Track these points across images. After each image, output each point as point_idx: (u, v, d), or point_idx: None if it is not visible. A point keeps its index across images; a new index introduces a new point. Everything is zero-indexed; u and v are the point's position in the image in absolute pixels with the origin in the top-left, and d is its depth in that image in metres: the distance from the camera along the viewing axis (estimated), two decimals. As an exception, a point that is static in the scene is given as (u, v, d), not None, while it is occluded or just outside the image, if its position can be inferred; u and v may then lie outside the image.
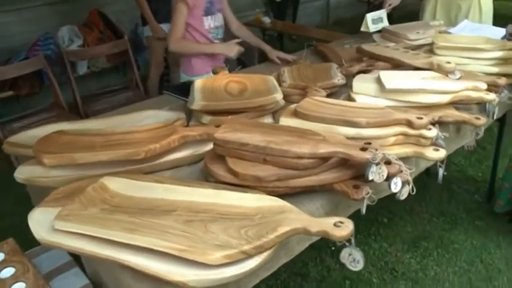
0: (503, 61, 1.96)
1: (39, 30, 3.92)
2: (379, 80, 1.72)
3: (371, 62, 2.06)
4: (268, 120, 1.69)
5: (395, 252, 2.33)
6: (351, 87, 1.77)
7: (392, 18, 2.64)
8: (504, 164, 2.60)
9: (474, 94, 1.69)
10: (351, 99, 1.72)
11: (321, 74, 1.98)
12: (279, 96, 1.69)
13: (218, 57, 2.40)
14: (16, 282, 1.16)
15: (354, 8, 6.64)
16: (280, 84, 1.85)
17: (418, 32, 2.36)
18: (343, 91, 1.88)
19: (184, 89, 2.01)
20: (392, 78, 1.70)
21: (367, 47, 2.16)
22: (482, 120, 1.59)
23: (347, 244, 1.05)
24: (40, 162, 1.36)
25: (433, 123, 1.51)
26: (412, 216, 2.57)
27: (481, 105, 1.79)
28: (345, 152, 1.17)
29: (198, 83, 1.78)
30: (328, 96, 1.79)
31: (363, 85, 1.74)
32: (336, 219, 1.04)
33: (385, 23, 2.60)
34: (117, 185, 1.23)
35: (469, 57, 1.98)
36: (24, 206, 1.57)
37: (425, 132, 1.43)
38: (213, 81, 1.80)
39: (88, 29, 4.01)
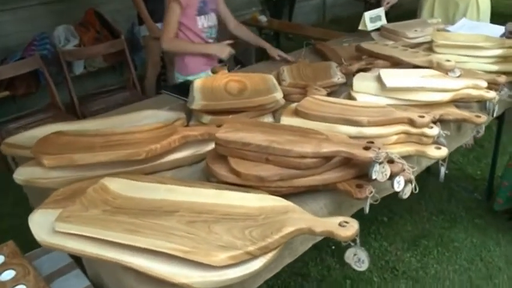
0: (503, 59, 1.96)
1: (34, 29, 3.89)
2: (379, 79, 1.71)
3: (370, 60, 2.06)
4: (268, 119, 1.68)
5: (395, 251, 2.33)
6: (350, 85, 1.76)
7: (389, 16, 2.63)
8: (503, 162, 2.60)
9: (474, 92, 1.69)
10: (351, 97, 1.71)
11: (320, 73, 1.97)
12: (279, 95, 1.68)
13: (212, 56, 2.40)
14: (16, 285, 1.15)
15: (350, 7, 6.63)
16: (279, 83, 1.84)
17: (416, 30, 2.36)
18: (343, 90, 1.88)
19: (183, 89, 2.01)
20: (392, 77, 1.69)
21: (366, 45, 2.15)
22: (483, 119, 1.59)
23: (352, 244, 1.04)
24: (39, 163, 1.35)
25: (435, 122, 1.51)
26: (412, 215, 2.57)
27: (481, 103, 1.78)
28: (348, 151, 1.17)
29: (198, 83, 1.77)
30: (328, 95, 1.78)
31: (363, 84, 1.74)
32: (340, 219, 1.03)
33: (383, 21, 2.59)
34: (118, 185, 1.22)
35: (468, 55, 1.98)
36: (23, 207, 1.56)
37: (427, 130, 1.43)
38: (212, 80, 1.79)
39: (84, 29, 3.98)
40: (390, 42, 2.29)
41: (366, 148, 1.17)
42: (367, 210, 1.20)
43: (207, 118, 1.62)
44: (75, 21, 4.08)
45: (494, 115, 1.79)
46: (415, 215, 2.58)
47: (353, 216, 1.18)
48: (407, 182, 1.25)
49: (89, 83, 4.15)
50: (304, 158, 1.18)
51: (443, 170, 1.48)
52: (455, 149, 1.80)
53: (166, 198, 1.16)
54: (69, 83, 3.25)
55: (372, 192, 1.17)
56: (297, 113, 1.53)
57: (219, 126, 1.42)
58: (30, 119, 3.01)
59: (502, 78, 1.79)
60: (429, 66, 1.85)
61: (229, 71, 1.98)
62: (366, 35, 2.57)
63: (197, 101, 1.62)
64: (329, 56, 2.32)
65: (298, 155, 1.18)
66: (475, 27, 2.39)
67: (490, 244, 2.35)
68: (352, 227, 1.01)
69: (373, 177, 1.16)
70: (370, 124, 1.43)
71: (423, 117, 1.43)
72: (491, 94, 1.68)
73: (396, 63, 1.97)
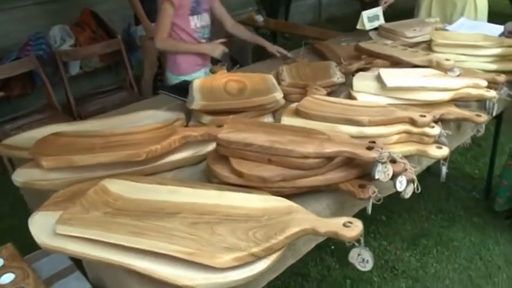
0: (501, 58, 1.96)
1: (29, 29, 3.86)
2: (379, 78, 1.71)
3: (369, 59, 2.05)
4: (268, 119, 1.67)
5: (394, 251, 2.32)
6: (350, 85, 1.76)
7: (385, 16, 2.63)
8: (501, 160, 2.61)
9: (475, 91, 1.69)
10: (351, 97, 1.71)
11: (319, 73, 1.96)
12: (279, 95, 1.67)
13: (204, 56, 2.41)
14: (16, 288, 1.13)
15: (346, 6, 6.64)
16: (279, 83, 1.83)
17: (414, 30, 2.36)
18: (343, 89, 1.87)
19: (182, 89, 2.00)
20: (392, 76, 1.69)
21: (365, 44, 2.15)
22: (484, 118, 1.59)
23: (356, 244, 1.03)
24: (38, 164, 1.33)
25: (435, 121, 1.51)
26: (411, 214, 2.57)
27: (481, 103, 1.78)
28: (351, 152, 1.16)
29: (197, 83, 1.76)
30: (328, 94, 1.77)
31: (363, 83, 1.73)
32: (344, 219, 1.03)
33: (381, 21, 2.59)
34: (119, 187, 1.21)
35: (467, 54, 1.98)
36: (21, 208, 1.55)
37: (428, 130, 1.43)
38: (211, 80, 1.78)
39: (80, 29, 3.95)
40: (389, 42, 2.29)
41: (369, 148, 1.17)
42: (369, 210, 1.20)
43: (206, 118, 1.61)
44: (71, 21, 4.05)
45: (494, 114, 1.79)
46: (414, 214, 2.58)
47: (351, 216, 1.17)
48: (409, 181, 1.24)
49: (85, 83, 4.13)
50: (307, 158, 1.17)
51: (444, 169, 1.48)
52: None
53: (168, 199, 1.15)
54: (65, 84, 3.22)
55: (374, 192, 1.17)
56: (297, 113, 1.53)
57: (219, 126, 1.41)
58: (27, 119, 2.98)
59: (502, 77, 1.79)
60: (429, 65, 1.85)
61: (228, 70, 1.97)
62: (364, 34, 2.57)
63: (197, 101, 1.61)
64: (328, 56, 2.31)
65: (300, 155, 1.17)
66: (474, 26, 2.39)
67: (489, 243, 2.35)
68: (356, 227, 1.01)
69: (376, 177, 1.16)
70: (371, 124, 1.43)
71: (424, 116, 1.43)
72: (492, 93, 1.68)
73: (395, 63, 1.97)
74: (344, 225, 1.01)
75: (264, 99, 1.62)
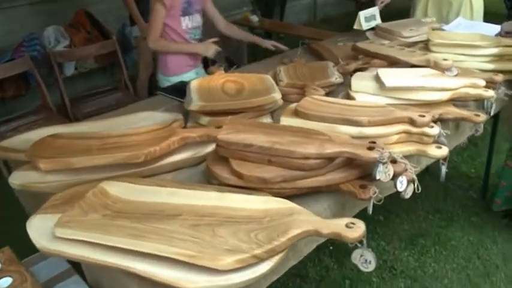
0: (499, 57, 1.97)
1: (23, 30, 3.83)
2: (377, 78, 1.70)
3: (367, 59, 2.05)
4: (267, 120, 1.66)
5: (393, 250, 2.32)
6: (348, 85, 1.75)
7: (381, 16, 2.63)
8: (498, 160, 2.62)
9: (473, 91, 1.69)
10: (349, 97, 1.70)
11: (317, 73, 1.96)
12: (277, 95, 1.66)
13: (196, 57, 2.42)
14: (14, 292, 1.12)
15: (341, 6, 6.66)
16: (277, 84, 1.83)
17: (411, 29, 2.36)
18: (341, 90, 1.86)
19: (179, 90, 1.99)
20: (391, 76, 1.69)
21: (362, 44, 2.15)
22: (482, 117, 1.59)
23: (359, 245, 1.03)
24: (35, 167, 1.32)
25: (434, 121, 1.50)
26: (408, 214, 2.57)
27: (479, 102, 1.79)
28: (352, 152, 1.15)
29: (194, 84, 1.75)
30: (326, 95, 1.76)
31: (361, 83, 1.73)
32: (347, 220, 1.02)
33: (378, 21, 2.59)
34: (118, 189, 1.19)
35: (464, 54, 1.99)
36: (16, 211, 1.53)
37: (427, 130, 1.42)
38: (209, 81, 1.77)
39: (75, 30, 3.93)
40: (386, 42, 2.29)
41: (370, 148, 1.16)
42: (370, 210, 1.20)
43: (204, 119, 1.59)
44: (65, 22, 4.02)
45: (492, 113, 1.80)
46: (412, 214, 2.58)
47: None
48: (410, 181, 1.24)
49: (80, 84, 4.10)
50: (308, 159, 1.17)
51: (444, 169, 1.47)
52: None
53: (167, 201, 1.14)
54: (60, 85, 3.20)
55: (375, 192, 1.16)
56: (296, 114, 1.52)
57: (218, 127, 1.40)
58: (22, 121, 2.96)
59: (499, 77, 1.80)
60: (426, 65, 1.85)
61: (225, 71, 1.96)
62: (360, 34, 2.57)
63: (195, 102, 1.59)
64: (325, 56, 2.31)
65: (301, 156, 1.17)
66: (471, 26, 2.40)
67: (487, 242, 2.36)
68: (359, 228, 1.01)
69: (377, 177, 1.15)
70: (371, 124, 1.42)
71: (423, 116, 1.43)
72: (490, 93, 1.68)
73: (393, 63, 1.97)
74: (347, 226, 1.00)
75: (263, 100, 1.61)
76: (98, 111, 2.62)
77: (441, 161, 1.45)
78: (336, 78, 1.90)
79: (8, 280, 1.16)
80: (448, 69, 1.79)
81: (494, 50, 1.96)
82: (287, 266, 1.15)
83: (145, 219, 1.06)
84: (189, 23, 2.35)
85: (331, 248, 2.30)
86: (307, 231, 1.00)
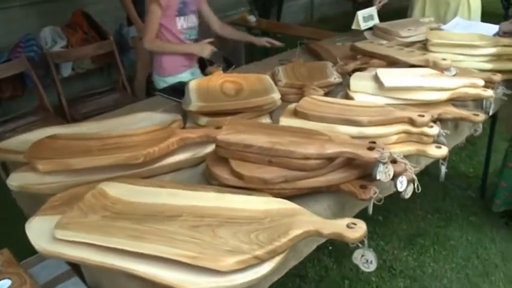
0: (497, 57, 1.97)
1: (19, 31, 3.81)
2: (376, 78, 1.70)
3: (365, 59, 2.05)
4: (266, 120, 1.66)
5: (392, 250, 2.32)
6: (347, 85, 1.75)
7: (379, 16, 2.63)
8: (495, 159, 2.62)
9: (472, 91, 1.69)
10: (348, 97, 1.70)
11: (316, 73, 1.96)
12: (277, 96, 1.66)
13: (191, 57, 2.42)
14: (14, 294, 1.11)
15: (338, 6, 6.66)
16: (275, 84, 1.82)
17: (409, 29, 2.36)
18: (339, 90, 1.86)
19: (177, 90, 1.98)
20: (390, 76, 1.69)
21: (361, 44, 2.15)
22: (481, 117, 1.59)
23: (360, 245, 1.03)
24: (33, 168, 1.31)
25: (434, 121, 1.50)
26: (407, 214, 2.57)
27: (477, 102, 1.79)
28: (353, 152, 1.15)
29: (193, 84, 1.75)
30: (325, 95, 1.76)
31: (360, 83, 1.73)
32: (348, 220, 1.02)
33: (376, 21, 2.59)
34: (117, 190, 1.19)
35: (463, 54, 1.99)
36: (14, 213, 1.52)
37: (427, 130, 1.42)
38: (208, 81, 1.77)
39: (72, 30, 3.91)
40: (384, 42, 2.29)
41: (370, 148, 1.16)
42: (370, 211, 1.20)
43: (203, 120, 1.59)
44: (62, 23, 4.01)
45: (491, 113, 1.80)
46: (410, 213, 2.58)
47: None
48: (410, 181, 1.24)
49: (77, 85, 4.09)
50: (308, 159, 1.16)
51: (443, 169, 1.48)
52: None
53: (167, 202, 1.13)
54: (58, 85, 3.18)
55: (376, 192, 1.16)
56: (296, 114, 1.52)
57: (217, 128, 1.39)
58: (19, 122, 2.94)
59: (498, 77, 1.80)
60: (425, 65, 1.85)
61: (223, 71, 1.96)
62: (358, 34, 2.57)
63: (194, 103, 1.59)
64: (323, 56, 2.31)
65: (302, 157, 1.16)
66: (469, 26, 2.40)
67: (486, 241, 2.36)
68: (360, 229, 1.00)
69: (377, 177, 1.15)
70: (371, 124, 1.42)
71: (423, 116, 1.43)
72: (489, 92, 1.69)
73: (392, 63, 1.97)
74: (348, 226, 1.00)
75: (262, 100, 1.61)
76: (96, 112, 2.61)
77: (441, 161, 1.45)
78: (334, 78, 1.90)
79: (7, 282, 1.15)
80: (447, 69, 1.79)
81: (493, 50, 1.96)
82: (288, 266, 1.15)
83: (145, 221, 1.05)
84: (184, 23, 2.36)
85: (330, 248, 2.30)
86: (308, 231, 0.99)
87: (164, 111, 1.76)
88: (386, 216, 2.55)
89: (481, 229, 2.45)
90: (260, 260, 0.94)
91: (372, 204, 1.18)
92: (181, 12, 2.32)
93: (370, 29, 2.56)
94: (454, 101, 1.69)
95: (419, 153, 1.43)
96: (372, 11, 2.60)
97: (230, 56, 4.17)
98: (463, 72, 1.81)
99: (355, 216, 1.15)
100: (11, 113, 3.16)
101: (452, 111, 1.61)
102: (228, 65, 3.02)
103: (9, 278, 1.16)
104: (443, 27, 2.44)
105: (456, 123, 1.71)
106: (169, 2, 2.24)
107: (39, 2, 4.02)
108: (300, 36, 3.94)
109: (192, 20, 2.40)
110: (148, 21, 2.27)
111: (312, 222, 1.02)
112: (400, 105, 1.59)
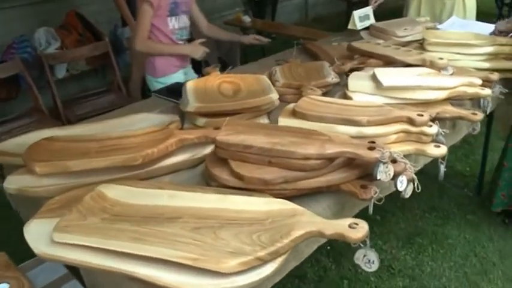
0: (494, 56, 1.98)
1: (13, 32, 3.79)
2: (374, 78, 1.70)
3: (363, 59, 2.04)
4: (264, 120, 1.65)
5: (390, 250, 2.33)
6: (344, 85, 1.75)
7: (374, 15, 2.63)
8: (492, 158, 2.63)
9: (470, 90, 1.69)
10: (346, 97, 1.70)
11: (313, 73, 1.95)
12: (275, 96, 1.65)
13: (184, 58, 2.42)
14: (12, 298, 1.09)
15: (332, 5, 6.67)
16: (272, 84, 1.82)
17: (405, 29, 2.36)
18: (337, 89, 1.86)
19: (174, 91, 1.97)
20: (388, 76, 1.68)
21: (358, 44, 2.14)
22: (479, 116, 1.59)
23: (361, 246, 1.02)
24: (31, 171, 1.29)
25: (432, 120, 1.50)
26: (405, 213, 2.58)
27: (475, 101, 1.79)
28: (354, 152, 1.15)
29: (190, 85, 1.73)
30: (323, 95, 1.76)
31: (358, 83, 1.72)
32: (349, 220, 1.01)
33: (372, 20, 2.59)
34: (116, 192, 1.18)
35: (460, 53, 1.99)
36: (10, 215, 1.50)
37: (426, 129, 1.42)
38: (205, 82, 1.76)
39: (66, 31, 3.89)
40: (380, 41, 2.29)
41: (370, 148, 1.16)
42: (371, 211, 1.19)
43: (201, 121, 1.58)
44: (56, 24, 3.99)
45: (488, 112, 1.80)
46: (408, 212, 2.58)
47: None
48: (409, 181, 1.24)
49: (72, 86, 4.07)
50: (308, 159, 1.16)
51: (442, 168, 1.48)
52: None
53: (167, 204, 1.12)
54: (52, 87, 3.16)
55: (376, 192, 1.16)
56: (294, 114, 1.51)
57: (216, 128, 1.39)
58: (14, 124, 2.93)
59: (495, 76, 1.80)
60: (422, 64, 1.85)
61: (220, 72, 1.95)
62: (354, 34, 2.57)
63: (192, 104, 1.58)
64: (320, 56, 2.30)
65: (302, 157, 1.16)
66: (465, 25, 2.41)
67: (483, 240, 2.37)
68: (362, 229, 1.00)
69: (378, 177, 1.15)
70: (370, 124, 1.42)
71: (422, 115, 1.43)
72: (487, 91, 1.69)
73: (389, 62, 1.96)
74: (350, 226, 1.00)
75: (260, 100, 1.60)
76: (91, 113, 2.61)
77: (440, 160, 1.45)
78: (332, 78, 1.89)
79: (5, 286, 1.13)
80: (444, 68, 1.80)
81: (489, 49, 1.97)
82: (289, 267, 1.14)
83: (145, 223, 1.04)
84: (176, 23, 2.35)
85: (328, 248, 2.30)
86: (310, 232, 0.99)
87: (161, 112, 1.75)
88: (383, 216, 2.55)
89: (479, 227, 2.46)
90: (262, 261, 0.93)
91: (372, 204, 1.18)
92: (172, 13, 2.32)
93: (366, 28, 2.56)
94: (451, 101, 1.69)
95: (418, 153, 1.43)
96: (368, 10, 2.60)
97: (225, 57, 4.16)
98: (460, 71, 1.82)
99: (355, 216, 1.14)
100: (6, 115, 3.14)
101: (450, 110, 1.61)
102: (223, 65, 3.02)
103: (7, 282, 1.14)
104: (439, 26, 2.45)
105: (454, 122, 1.71)
106: (160, 1, 2.22)
107: (32, 3, 4.00)
108: (294, 36, 3.94)
109: (184, 21, 2.40)
110: (140, 21, 2.25)
111: (313, 222, 1.01)
112: (399, 105, 1.59)
